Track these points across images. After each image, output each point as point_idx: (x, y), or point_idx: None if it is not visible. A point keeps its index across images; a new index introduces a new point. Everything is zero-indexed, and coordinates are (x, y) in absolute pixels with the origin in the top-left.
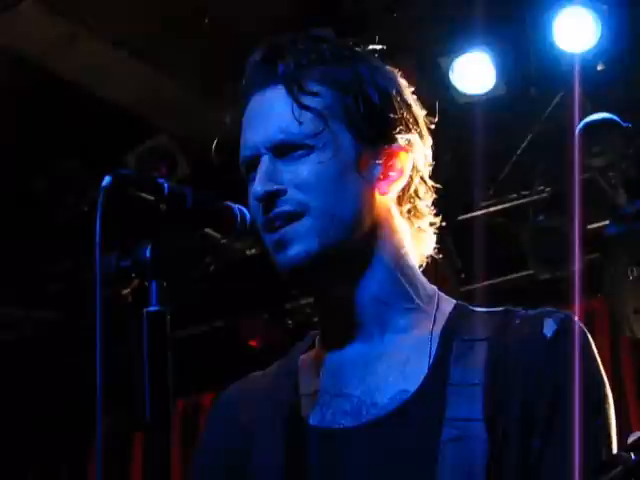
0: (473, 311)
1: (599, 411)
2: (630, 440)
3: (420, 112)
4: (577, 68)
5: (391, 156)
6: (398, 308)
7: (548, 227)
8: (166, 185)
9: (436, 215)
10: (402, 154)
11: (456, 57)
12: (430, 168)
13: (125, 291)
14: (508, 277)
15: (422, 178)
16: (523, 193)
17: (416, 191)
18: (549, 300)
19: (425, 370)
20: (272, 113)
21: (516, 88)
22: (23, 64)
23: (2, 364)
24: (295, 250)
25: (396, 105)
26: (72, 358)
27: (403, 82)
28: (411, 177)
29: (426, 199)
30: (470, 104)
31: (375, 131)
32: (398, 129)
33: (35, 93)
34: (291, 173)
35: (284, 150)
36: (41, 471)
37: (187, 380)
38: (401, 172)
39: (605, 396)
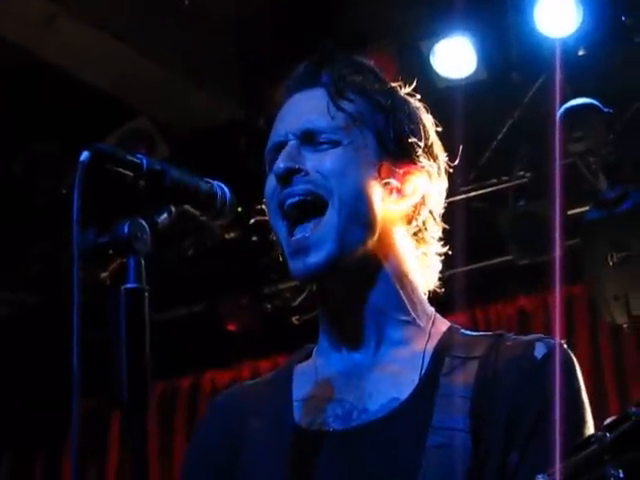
0: (466, 333)
1: (578, 433)
2: (607, 421)
3: (442, 154)
4: (558, 53)
5: (409, 173)
6: (395, 319)
7: (528, 212)
8: (145, 161)
9: (444, 245)
10: (418, 175)
11: (437, 41)
12: (442, 210)
13: (104, 274)
14: (488, 262)
15: (431, 212)
16: (503, 178)
17: (424, 222)
18: (528, 286)
19: (416, 381)
20: (306, 107)
21: (497, 73)
22: (1, 45)
23: None
24: (314, 258)
25: (422, 136)
26: (50, 341)
27: (431, 121)
28: (423, 201)
29: (432, 232)
30: (451, 88)
31: (399, 147)
32: (420, 154)
33: (14, 74)
34: (314, 160)
35: (311, 138)
36: (19, 453)
37: (165, 364)
38: (414, 191)
39: (585, 420)
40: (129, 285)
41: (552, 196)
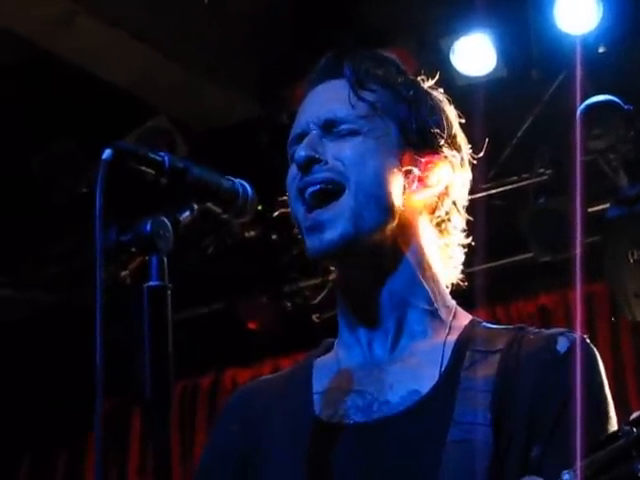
0: (488, 326)
1: (601, 428)
2: (633, 416)
3: (465, 145)
4: (578, 50)
5: (431, 163)
6: (416, 308)
7: (548, 210)
8: (167, 159)
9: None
10: (442, 165)
11: (457, 39)
12: (465, 202)
13: (124, 272)
14: (508, 260)
15: (455, 204)
16: (524, 175)
17: (448, 212)
18: (549, 283)
19: (437, 374)
20: (327, 97)
21: (517, 70)
22: (21, 43)
23: (1, 346)
24: (330, 235)
25: (445, 126)
26: (70, 340)
27: (454, 113)
28: (446, 191)
29: (456, 223)
30: (471, 86)
31: (421, 137)
32: (442, 144)
33: (32, 73)
34: (334, 148)
35: (332, 127)
36: (39, 455)
37: (186, 362)
38: (437, 181)
39: (609, 415)
40: (152, 283)
41: (573, 193)
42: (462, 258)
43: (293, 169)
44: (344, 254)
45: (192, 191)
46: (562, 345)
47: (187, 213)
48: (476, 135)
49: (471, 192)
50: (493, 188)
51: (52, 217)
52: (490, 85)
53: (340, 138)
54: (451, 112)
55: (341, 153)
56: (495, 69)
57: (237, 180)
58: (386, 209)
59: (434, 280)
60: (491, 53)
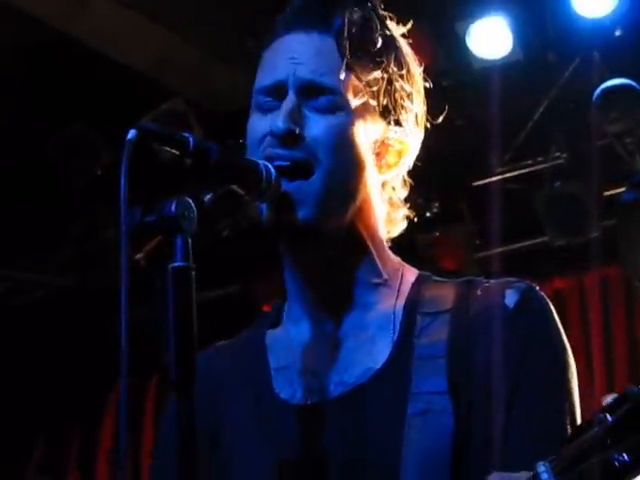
0: (436, 281)
1: (562, 380)
2: (606, 401)
3: (423, 117)
4: (595, 33)
5: (399, 146)
6: (367, 283)
7: (564, 193)
8: (191, 140)
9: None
10: (407, 145)
11: (473, 22)
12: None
13: (139, 255)
14: (523, 243)
15: (404, 178)
16: (539, 159)
17: (394, 187)
18: (564, 266)
19: (390, 346)
20: (313, 54)
21: (533, 53)
22: (36, 25)
23: (16, 328)
24: (293, 216)
25: (419, 103)
26: (84, 323)
27: (421, 77)
28: (401, 170)
29: (401, 195)
30: (486, 69)
31: (396, 119)
32: (413, 124)
33: (47, 54)
34: (313, 123)
35: (313, 93)
36: (53, 436)
37: (201, 344)
38: (399, 160)
39: (568, 365)
40: (176, 264)
41: (588, 177)
42: (404, 225)
43: (262, 127)
44: (303, 237)
45: (216, 172)
46: (510, 299)
47: (211, 194)
48: (492, 118)
49: (487, 176)
50: (509, 172)
51: (66, 200)
52: (506, 68)
53: (321, 111)
54: (420, 78)
55: (319, 131)
56: (511, 52)
57: (261, 161)
58: (351, 196)
59: (383, 247)
60: (507, 36)
